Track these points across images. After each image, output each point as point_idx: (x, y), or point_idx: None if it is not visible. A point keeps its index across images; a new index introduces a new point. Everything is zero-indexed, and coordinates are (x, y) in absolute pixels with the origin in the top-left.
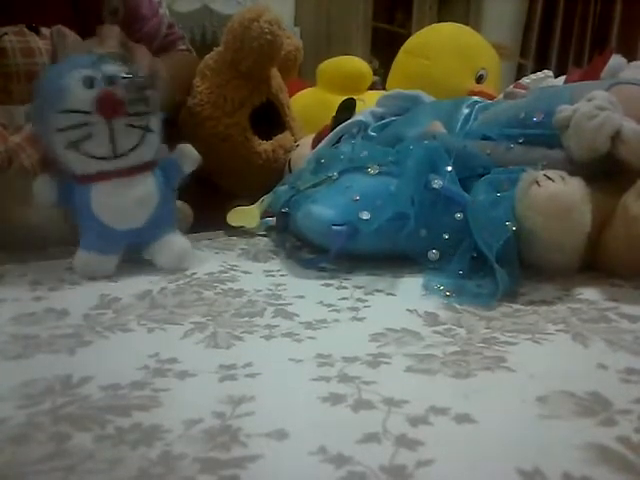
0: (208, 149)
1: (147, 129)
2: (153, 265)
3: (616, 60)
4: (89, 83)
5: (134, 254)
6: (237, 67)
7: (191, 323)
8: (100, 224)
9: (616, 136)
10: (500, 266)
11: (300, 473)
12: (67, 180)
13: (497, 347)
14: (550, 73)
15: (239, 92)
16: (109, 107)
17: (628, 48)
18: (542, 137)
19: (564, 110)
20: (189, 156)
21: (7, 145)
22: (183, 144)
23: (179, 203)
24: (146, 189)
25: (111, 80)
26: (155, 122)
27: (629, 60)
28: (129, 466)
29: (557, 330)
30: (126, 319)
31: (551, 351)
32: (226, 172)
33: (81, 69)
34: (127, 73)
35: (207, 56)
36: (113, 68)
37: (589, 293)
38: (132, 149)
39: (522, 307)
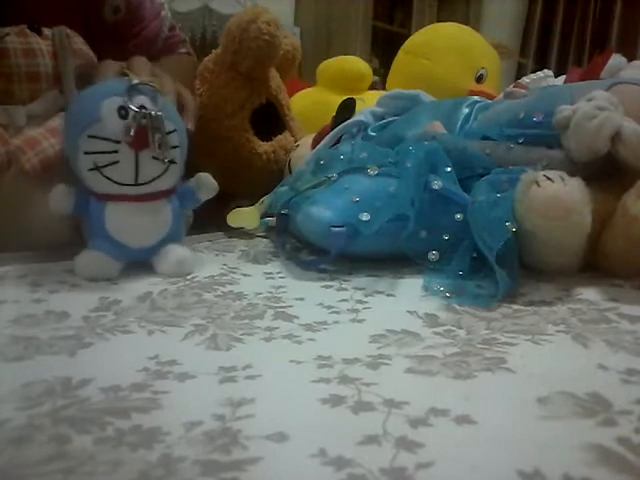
0: (209, 151)
1: (171, 162)
2: (153, 267)
3: (616, 60)
4: (123, 113)
5: None
6: (236, 69)
7: (191, 325)
8: (111, 239)
9: (616, 136)
10: (500, 267)
11: (300, 475)
12: (84, 192)
13: (497, 348)
14: (550, 73)
15: (239, 94)
16: (140, 141)
17: (628, 48)
18: (542, 137)
19: (564, 110)
20: (206, 185)
21: (7, 147)
22: (202, 173)
23: None
24: (161, 215)
25: (144, 114)
26: (179, 154)
27: (629, 60)
28: (129, 468)
29: (557, 331)
30: (126, 321)
31: (551, 352)
32: (227, 174)
33: (116, 97)
34: (158, 106)
35: (206, 58)
36: (145, 100)
37: (589, 293)
38: (154, 179)
39: (522, 308)
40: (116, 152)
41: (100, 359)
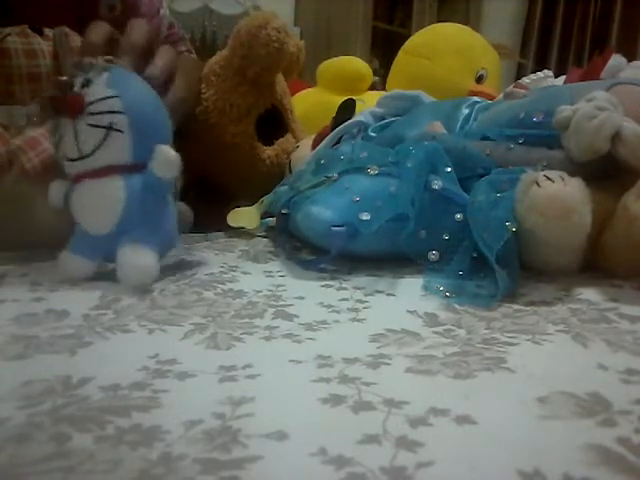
0: (214, 157)
1: (109, 127)
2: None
3: (616, 60)
4: (64, 87)
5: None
6: (243, 73)
7: (191, 324)
8: (79, 226)
9: (616, 136)
10: (500, 267)
11: (300, 474)
12: (70, 185)
13: (497, 348)
14: (550, 73)
15: (246, 99)
16: (67, 106)
17: (628, 48)
18: (542, 137)
19: (564, 110)
20: (163, 161)
21: (8, 147)
22: (158, 147)
23: (179, 204)
24: (111, 193)
25: (82, 84)
26: (124, 122)
27: (629, 60)
28: (129, 467)
29: (557, 331)
30: (126, 320)
31: (551, 352)
32: (231, 179)
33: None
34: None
35: (211, 60)
36: (94, 73)
37: (589, 293)
38: (95, 149)
39: (522, 308)
40: (59, 125)
41: (100, 358)
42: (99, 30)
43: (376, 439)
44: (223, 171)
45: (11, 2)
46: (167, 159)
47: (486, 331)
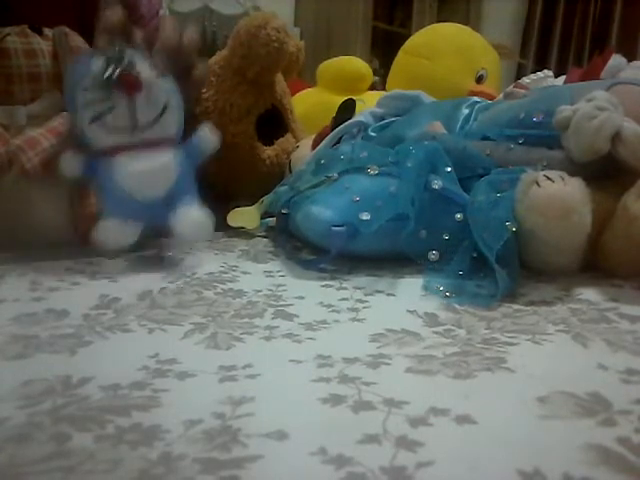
0: (213, 156)
1: (165, 105)
2: (153, 265)
3: (616, 60)
4: (112, 64)
5: (134, 253)
6: (243, 73)
7: (191, 324)
8: (123, 193)
9: (616, 136)
10: (500, 267)
11: (300, 473)
12: (91, 156)
13: (497, 348)
14: (550, 73)
15: (245, 99)
16: (128, 83)
17: (628, 48)
18: (542, 137)
19: (564, 110)
20: (207, 139)
21: (8, 147)
22: (202, 127)
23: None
24: (166, 161)
25: (129, 60)
26: (174, 100)
27: (629, 60)
28: (129, 466)
29: (557, 330)
30: (126, 319)
31: (551, 352)
32: (231, 178)
33: (104, 56)
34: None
35: (211, 61)
36: (132, 55)
37: (589, 293)
38: (152, 122)
39: (522, 307)
40: (110, 98)
41: (100, 357)
42: (118, 13)
43: (376, 439)
44: (223, 171)
45: (10, 1)
46: (210, 138)
47: (486, 331)
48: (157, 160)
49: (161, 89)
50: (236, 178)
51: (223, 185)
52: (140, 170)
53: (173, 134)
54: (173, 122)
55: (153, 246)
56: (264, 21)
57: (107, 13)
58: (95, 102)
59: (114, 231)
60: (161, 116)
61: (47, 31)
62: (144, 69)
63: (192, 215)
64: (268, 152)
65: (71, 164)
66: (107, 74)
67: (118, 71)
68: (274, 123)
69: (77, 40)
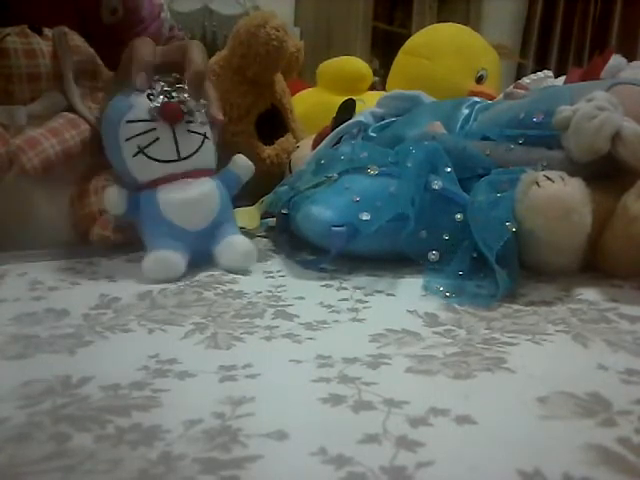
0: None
1: (205, 136)
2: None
3: (616, 60)
4: (152, 97)
5: (134, 253)
6: (243, 73)
7: (191, 324)
8: (169, 224)
9: (616, 136)
10: (500, 267)
11: (300, 473)
12: (134, 193)
13: (497, 348)
14: (550, 73)
15: (245, 99)
16: (171, 113)
17: (628, 48)
18: (542, 138)
19: (564, 110)
20: (244, 166)
21: (8, 147)
22: (236, 155)
23: None
24: (208, 189)
25: (169, 94)
26: (209, 132)
27: (629, 60)
28: (129, 466)
29: (557, 331)
30: (126, 319)
31: (551, 352)
32: None
33: (142, 90)
34: (180, 90)
35: (211, 60)
36: (168, 85)
37: (589, 294)
38: (194, 152)
39: (522, 308)
40: (154, 129)
41: (100, 357)
42: (148, 47)
43: (376, 439)
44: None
45: (10, 1)
46: (248, 164)
47: (486, 331)
48: (200, 189)
49: (198, 119)
50: None
51: None
52: (185, 199)
53: (212, 164)
54: (211, 152)
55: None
56: (264, 20)
57: (137, 46)
58: (138, 134)
59: (163, 263)
60: (201, 147)
61: (47, 31)
62: (183, 97)
63: (237, 244)
64: (268, 151)
65: (116, 200)
66: (152, 105)
67: (161, 100)
68: (274, 123)
69: (76, 39)
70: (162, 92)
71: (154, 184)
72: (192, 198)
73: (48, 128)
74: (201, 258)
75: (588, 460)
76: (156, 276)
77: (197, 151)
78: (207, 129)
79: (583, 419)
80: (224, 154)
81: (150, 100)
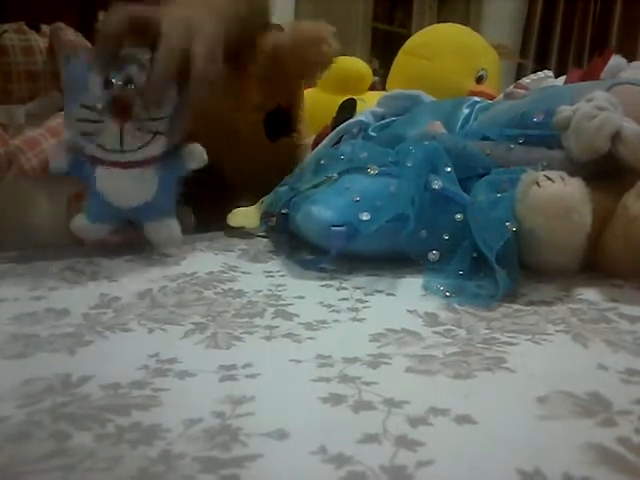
0: (220, 142)
1: (156, 132)
2: (153, 265)
3: (616, 60)
4: (109, 86)
5: (134, 253)
6: (274, 71)
7: (191, 323)
8: (101, 197)
9: (616, 136)
10: (500, 267)
11: (300, 473)
12: (79, 154)
13: (497, 348)
14: (550, 73)
15: (258, 95)
16: (121, 112)
17: (628, 48)
18: (542, 137)
19: (564, 110)
20: (196, 156)
21: (7, 147)
22: (193, 144)
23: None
24: (146, 182)
25: (128, 82)
26: (165, 125)
27: (629, 60)
28: (129, 465)
29: (557, 331)
30: (126, 319)
31: (551, 352)
32: (234, 169)
33: (104, 69)
34: (142, 79)
35: None
36: (134, 70)
37: (589, 294)
38: (139, 148)
39: (522, 307)
40: (101, 122)
41: (100, 357)
42: (119, 16)
43: (376, 438)
44: (227, 159)
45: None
46: (200, 157)
47: (486, 331)
48: (138, 181)
49: (154, 115)
50: (239, 169)
51: (227, 176)
52: (121, 188)
53: (157, 155)
54: (162, 143)
55: (153, 246)
56: (327, 33)
57: (109, 15)
58: (88, 120)
59: (85, 230)
60: (149, 143)
61: (45, 28)
62: (141, 81)
63: (165, 229)
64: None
65: (58, 157)
66: (105, 94)
67: (116, 89)
68: (282, 122)
69: (70, 34)
70: (124, 77)
71: (96, 161)
72: (125, 187)
73: (47, 128)
74: (140, 261)
75: (588, 460)
76: (79, 236)
77: (142, 147)
78: (162, 124)
79: (583, 419)
80: (231, 142)
81: (107, 86)
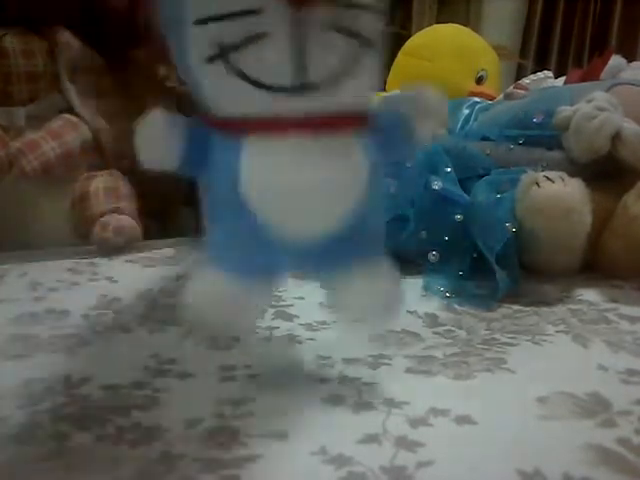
0: None
1: (363, 41)
2: (153, 265)
3: (616, 60)
4: None
5: (134, 253)
6: None
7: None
8: (250, 218)
9: (616, 137)
10: (500, 267)
11: (300, 473)
12: (201, 126)
13: (497, 348)
14: (550, 73)
15: None
16: None
17: (628, 48)
18: (542, 138)
19: (564, 111)
20: (429, 105)
21: (8, 149)
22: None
23: (123, 219)
24: (348, 164)
25: None
26: (377, 32)
27: (629, 60)
28: (129, 465)
29: (557, 331)
30: (126, 319)
31: (551, 352)
32: None
33: None
34: None
35: None
36: None
37: (589, 294)
38: (333, 77)
39: (522, 308)
40: (258, 13)
41: (100, 357)
42: None
43: (376, 439)
44: None
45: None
46: (436, 106)
47: (486, 332)
48: (331, 163)
49: (358, 17)
50: None
51: None
52: (292, 181)
53: (366, 108)
54: (372, 76)
55: (154, 247)
56: None
57: None
58: (224, 17)
59: (224, 296)
60: (355, 63)
61: (45, 31)
62: None
63: (378, 281)
64: None
65: (161, 142)
66: None
67: None
68: None
69: (67, 36)
70: None
71: (241, 127)
72: (308, 182)
73: (48, 130)
74: (140, 261)
75: (588, 460)
76: (199, 314)
77: (341, 75)
78: (373, 28)
79: (583, 419)
80: None
81: None
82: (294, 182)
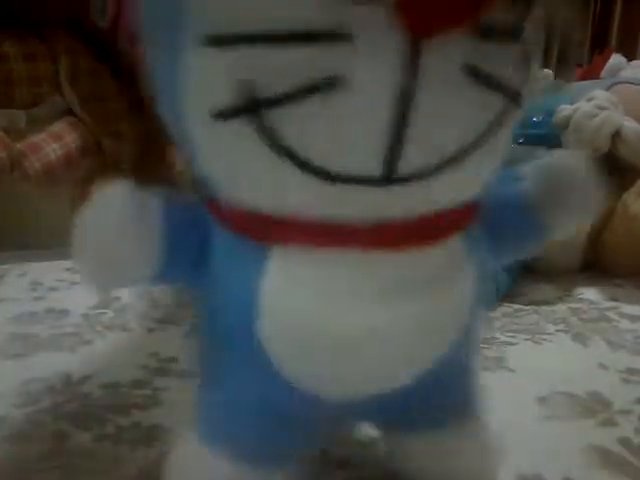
0: None
1: (511, 94)
2: None
3: (616, 59)
4: None
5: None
6: None
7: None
8: (271, 376)
9: (616, 135)
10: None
11: (300, 472)
12: (199, 213)
13: (497, 347)
14: (550, 73)
15: None
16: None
17: (628, 48)
18: (542, 137)
19: (564, 110)
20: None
21: (9, 151)
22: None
23: None
24: (449, 290)
25: None
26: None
27: (629, 59)
28: (129, 465)
29: (557, 330)
30: (126, 318)
31: (551, 351)
32: None
33: None
34: None
35: None
36: None
37: (589, 293)
38: (453, 158)
39: (522, 307)
40: (341, 40)
41: (100, 356)
42: None
43: (376, 439)
44: None
45: (9, 5)
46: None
47: (486, 331)
48: (430, 292)
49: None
50: None
51: None
52: (360, 327)
53: (477, 198)
54: (495, 161)
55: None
56: None
57: None
58: (259, 53)
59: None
60: (496, 124)
61: (46, 34)
62: None
63: (478, 440)
64: None
65: (125, 233)
66: None
67: None
68: None
69: (69, 41)
70: None
71: (262, 230)
72: (390, 326)
73: (49, 133)
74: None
75: (588, 461)
76: None
77: (466, 152)
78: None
79: (583, 419)
80: None
81: None
82: (354, 325)
